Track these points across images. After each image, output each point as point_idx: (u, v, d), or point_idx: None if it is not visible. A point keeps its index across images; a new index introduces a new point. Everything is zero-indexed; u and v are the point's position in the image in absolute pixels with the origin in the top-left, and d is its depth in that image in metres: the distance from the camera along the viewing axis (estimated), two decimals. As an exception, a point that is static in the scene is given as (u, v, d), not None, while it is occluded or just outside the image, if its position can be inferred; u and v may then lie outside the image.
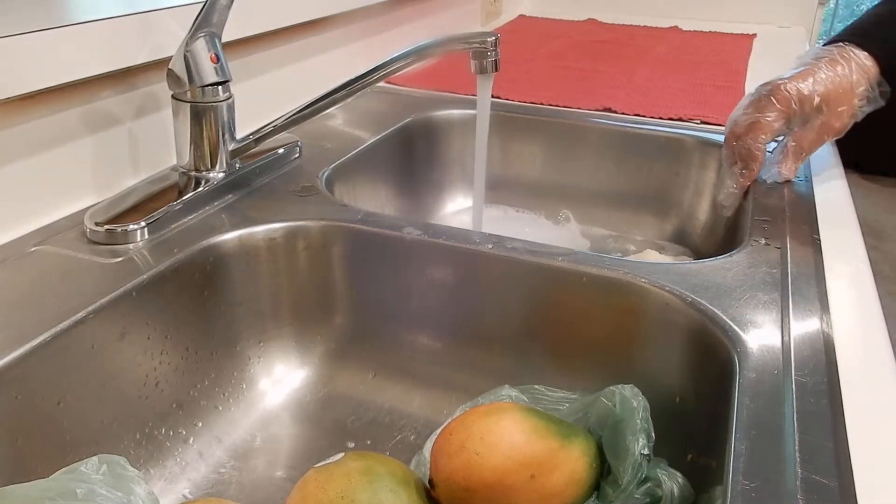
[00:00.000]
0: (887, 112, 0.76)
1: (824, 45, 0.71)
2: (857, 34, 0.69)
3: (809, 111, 0.67)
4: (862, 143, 0.86)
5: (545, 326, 0.58)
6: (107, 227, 0.56)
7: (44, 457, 0.45)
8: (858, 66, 0.67)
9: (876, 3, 0.74)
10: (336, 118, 0.88)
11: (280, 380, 0.63)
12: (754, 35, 1.40)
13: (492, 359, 0.60)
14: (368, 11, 1.01)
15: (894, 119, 0.76)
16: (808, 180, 0.72)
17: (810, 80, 0.67)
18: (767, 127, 0.67)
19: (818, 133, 0.67)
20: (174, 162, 0.65)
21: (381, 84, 0.90)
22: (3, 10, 0.59)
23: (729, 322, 0.48)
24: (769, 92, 0.68)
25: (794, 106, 0.67)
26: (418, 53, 0.66)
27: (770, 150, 0.70)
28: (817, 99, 0.66)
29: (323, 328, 0.64)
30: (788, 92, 0.67)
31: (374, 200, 0.82)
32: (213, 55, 0.60)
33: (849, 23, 0.74)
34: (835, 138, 0.68)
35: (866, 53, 0.67)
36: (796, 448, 0.38)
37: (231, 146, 0.64)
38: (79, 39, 0.56)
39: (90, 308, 0.47)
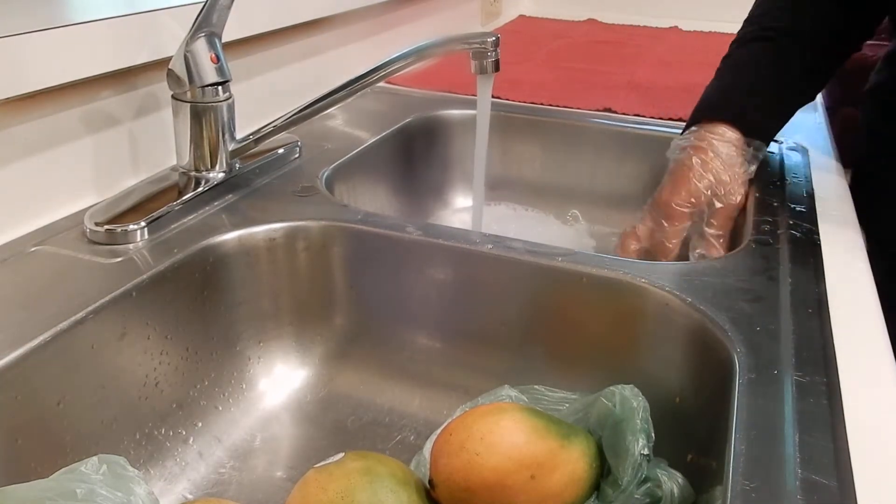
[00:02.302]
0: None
1: (682, 132, 0.73)
2: (707, 110, 0.71)
3: (705, 205, 0.68)
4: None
5: (545, 326, 0.58)
6: (107, 227, 0.56)
7: (44, 457, 0.45)
8: (722, 141, 0.69)
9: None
10: (336, 118, 0.88)
11: (280, 380, 0.63)
12: (754, 35, 1.40)
13: (492, 359, 0.60)
14: (368, 11, 1.01)
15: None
16: (808, 180, 0.72)
17: (688, 184, 0.68)
18: (673, 240, 0.69)
19: (724, 217, 0.68)
20: (174, 162, 0.65)
21: (381, 84, 0.90)
22: (3, 10, 0.59)
23: (729, 322, 0.48)
24: (663, 213, 0.69)
25: (689, 215, 0.68)
26: (418, 53, 0.66)
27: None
28: (705, 194, 0.68)
29: (323, 328, 0.64)
30: (680, 207, 0.68)
31: (374, 200, 0.82)
32: (213, 55, 0.60)
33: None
34: (741, 208, 0.68)
35: (725, 126, 0.69)
36: (796, 448, 0.38)
37: (231, 146, 0.64)
38: (79, 39, 0.56)
39: (90, 308, 0.47)
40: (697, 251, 0.68)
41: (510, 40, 1.34)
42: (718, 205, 0.68)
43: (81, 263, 0.53)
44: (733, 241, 0.69)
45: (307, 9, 0.85)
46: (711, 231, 0.68)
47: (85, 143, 0.61)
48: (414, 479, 0.44)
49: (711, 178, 0.68)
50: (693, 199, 0.68)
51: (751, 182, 0.70)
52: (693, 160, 0.69)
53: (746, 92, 0.72)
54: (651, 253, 0.71)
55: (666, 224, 0.69)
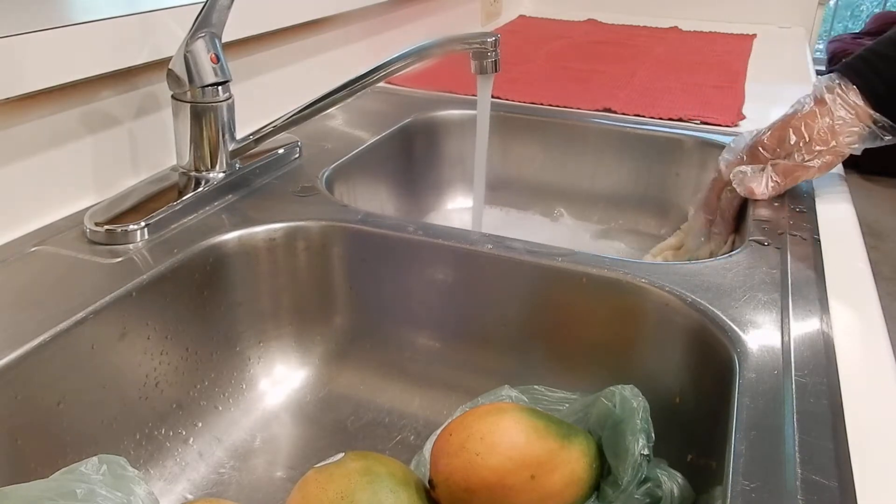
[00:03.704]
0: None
1: (826, 72, 0.70)
2: (854, 69, 0.67)
3: (787, 154, 0.67)
4: None
5: (545, 326, 0.58)
6: (107, 227, 0.56)
7: (44, 457, 0.45)
8: (845, 105, 0.65)
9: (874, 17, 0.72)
10: (336, 118, 0.88)
11: (280, 380, 0.63)
12: (754, 35, 1.40)
13: (492, 359, 0.60)
14: (368, 11, 1.01)
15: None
16: (808, 180, 0.72)
17: (786, 131, 0.67)
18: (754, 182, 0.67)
19: (791, 172, 0.66)
20: (174, 162, 0.65)
21: (381, 84, 0.90)
22: (3, 10, 0.59)
23: (729, 322, 0.48)
24: (750, 149, 0.68)
25: (772, 158, 0.67)
26: (418, 54, 0.66)
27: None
28: (794, 139, 0.66)
29: (323, 328, 0.64)
30: (766, 149, 0.67)
31: (374, 200, 0.82)
32: (213, 55, 0.60)
33: (848, 23, 0.73)
34: (816, 177, 0.67)
35: (856, 90, 0.66)
36: (796, 448, 0.38)
37: (231, 146, 0.64)
38: (79, 39, 0.56)
39: (90, 308, 0.47)
40: (741, 174, 0.66)
41: (510, 40, 1.34)
42: (798, 160, 0.66)
43: (81, 263, 0.53)
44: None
45: (307, 9, 0.85)
46: (773, 173, 0.66)
47: (85, 143, 0.61)
48: (414, 479, 0.44)
49: (810, 133, 0.65)
50: (783, 147, 0.66)
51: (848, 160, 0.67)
52: (805, 110, 0.67)
53: (890, 59, 0.66)
54: (730, 184, 0.69)
55: (749, 161, 0.68)
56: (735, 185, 0.67)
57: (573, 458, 0.44)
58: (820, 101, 0.66)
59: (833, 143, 0.65)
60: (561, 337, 0.58)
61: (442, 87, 1.00)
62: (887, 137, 0.65)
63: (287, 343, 0.63)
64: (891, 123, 0.65)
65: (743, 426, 0.39)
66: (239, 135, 0.65)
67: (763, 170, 0.67)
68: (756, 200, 0.66)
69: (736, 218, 0.70)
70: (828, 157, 0.66)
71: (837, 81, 0.66)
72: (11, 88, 0.52)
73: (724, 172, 0.70)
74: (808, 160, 0.66)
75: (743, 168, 0.68)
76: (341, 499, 0.41)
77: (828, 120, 0.65)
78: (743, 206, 0.69)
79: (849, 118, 0.65)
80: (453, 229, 0.61)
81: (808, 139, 0.65)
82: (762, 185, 0.66)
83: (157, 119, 0.67)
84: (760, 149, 0.68)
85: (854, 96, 0.65)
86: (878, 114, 0.65)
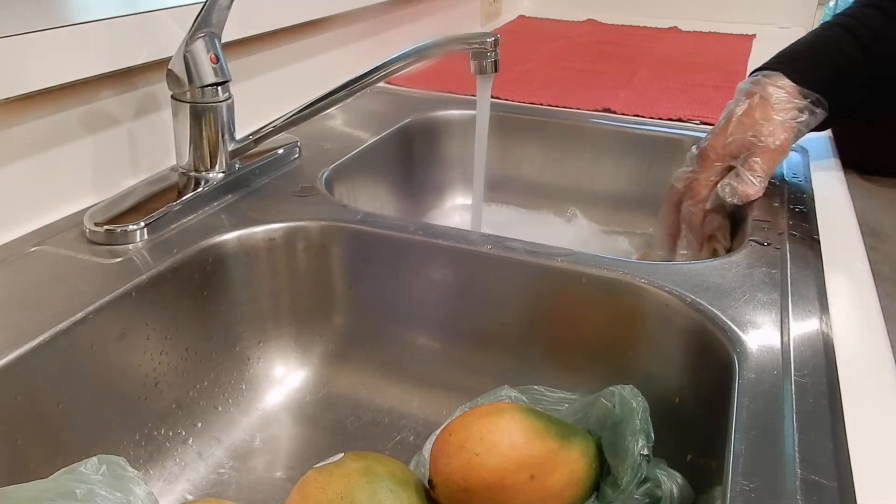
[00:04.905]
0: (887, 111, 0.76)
1: (750, 74, 0.72)
2: (773, 63, 0.71)
3: (742, 149, 0.68)
4: (862, 143, 0.86)
5: (545, 327, 0.58)
6: (106, 227, 0.56)
7: (44, 457, 0.45)
8: (774, 87, 0.68)
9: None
10: (336, 118, 0.88)
11: (279, 380, 0.63)
12: (754, 35, 1.40)
13: (491, 359, 0.60)
14: (368, 11, 1.01)
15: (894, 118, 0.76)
16: (808, 180, 0.72)
17: (729, 128, 0.68)
18: (705, 184, 0.69)
19: (763, 157, 0.67)
20: (174, 162, 0.65)
21: (381, 84, 0.90)
22: (2, 10, 0.59)
23: (728, 322, 0.48)
24: (698, 155, 0.70)
25: (723, 157, 0.68)
26: (418, 54, 0.66)
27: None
28: (744, 139, 0.67)
29: (322, 328, 0.64)
30: (714, 150, 0.68)
31: (374, 201, 0.82)
32: (213, 55, 0.60)
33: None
34: (784, 157, 0.68)
35: (779, 74, 0.68)
36: (796, 448, 0.38)
37: (231, 146, 0.64)
38: (79, 39, 0.56)
39: (90, 308, 0.47)
40: (728, 186, 0.67)
41: (510, 40, 1.34)
42: (758, 148, 0.67)
43: (81, 264, 0.53)
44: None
45: (307, 9, 0.85)
46: (747, 170, 0.67)
47: (84, 143, 0.61)
48: (413, 480, 0.44)
49: (754, 120, 0.67)
50: (731, 145, 0.67)
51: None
52: (739, 105, 0.68)
53: (808, 49, 0.71)
54: (685, 197, 0.70)
55: (699, 169, 0.69)
56: (727, 199, 0.67)
57: (573, 459, 0.44)
58: (750, 93, 0.68)
59: (779, 118, 0.67)
60: (561, 337, 0.58)
61: (442, 87, 1.00)
62: (818, 110, 0.68)
63: (287, 343, 0.63)
64: (818, 97, 0.67)
65: (743, 426, 0.39)
66: (239, 135, 0.65)
67: (736, 174, 0.67)
68: (756, 199, 0.66)
69: (703, 224, 0.70)
70: (782, 134, 0.67)
71: (760, 75, 0.69)
72: (11, 88, 0.52)
73: (678, 186, 0.71)
74: (771, 139, 0.66)
75: (725, 181, 0.68)
76: (341, 499, 0.41)
77: (764, 105, 0.67)
78: (717, 213, 0.69)
79: (783, 95, 0.67)
80: (453, 229, 0.61)
81: (751, 125, 0.67)
82: (748, 185, 0.66)
83: (157, 119, 0.67)
84: (710, 153, 0.69)
85: (780, 79, 0.68)
86: (805, 89, 0.67)
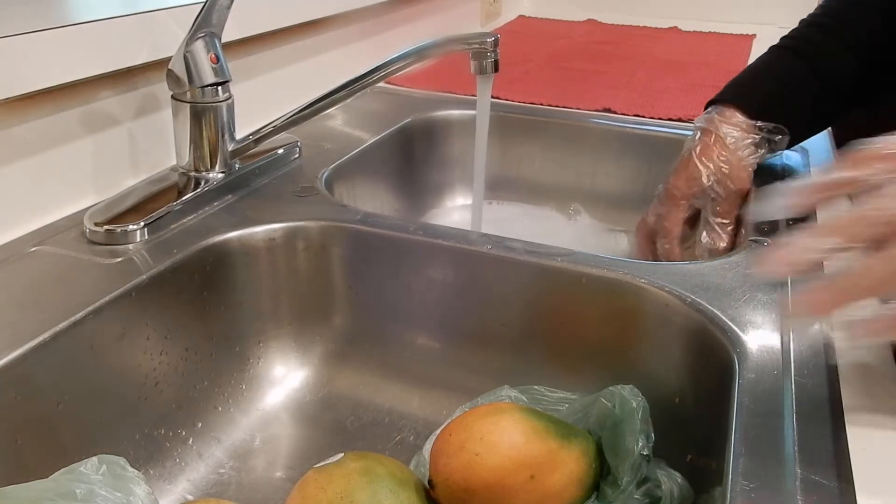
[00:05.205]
0: (887, 111, 0.76)
1: (706, 106, 0.73)
2: (725, 96, 0.71)
3: (705, 192, 0.68)
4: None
5: (545, 327, 0.58)
6: (106, 227, 0.56)
7: (44, 457, 0.45)
8: (728, 126, 0.68)
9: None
10: (336, 118, 0.88)
11: (279, 380, 0.63)
12: (754, 35, 1.40)
13: (491, 359, 0.60)
14: (368, 11, 1.01)
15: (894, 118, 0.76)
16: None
17: (689, 167, 0.69)
18: (675, 222, 0.70)
19: (727, 204, 0.68)
20: (174, 162, 0.65)
21: (381, 84, 0.90)
22: (2, 10, 0.59)
23: (728, 323, 0.48)
24: (664, 195, 0.71)
25: (688, 196, 0.69)
26: (418, 54, 0.66)
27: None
28: (705, 180, 0.68)
29: (322, 328, 0.64)
30: (679, 190, 0.69)
31: (374, 201, 0.82)
32: (213, 55, 0.60)
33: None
34: (747, 192, 0.68)
35: (733, 108, 0.69)
36: (796, 448, 0.38)
37: (231, 146, 0.64)
38: (79, 39, 0.56)
39: (89, 308, 0.47)
40: (704, 240, 0.68)
41: (510, 40, 1.34)
42: (722, 192, 0.67)
43: (81, 263, 0.53)
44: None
45: (307, 9, 0.85)
46: (716, 219, 0.68)
47: (84, 143, 0.61)
48: (413, 480, 0.44)
49: (713, 163, 0.67)
50: (693, 184, 0.68)
51: (757, 171, 0.69)
52: (696, 145, 0.69)
53: (757, 77, 0.72)
54: (657, 235, 0.71)
55: (667, 209, 0.70)
56: (707, 257, 0.68)
57: (573, 459, 0.44)
58: (706, 131, 0.69)
59: (734, 158, 0.67)
60: (560, 337, 0.58)
61: (441, 88, 1.00)
62: (777, 138, 0.68)
63: (286, 343, 0.63)
64: (773, 125, 0.68)
65: (743, 426, 0.39)
66: (239, 135, 0.65)
67: (708, 225, 0.69)
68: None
69: (681, 255, 0.71)
70: (741, 174, 0.68)
71: (714, 112, 0.70)
72: (11, 88, 0.52)
73: (648, 221, 0.73)
74: (732, 183, 0.67)
75: (703, 243, 0.69)
76: (341, 499, 0.41)
77: (721, 143, 0.68)
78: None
79: (738, 133, 0.68)
80: (453, 229, 0.61)
81: (712, 167, 0.68)
82: (720, 238, 0.68)
83: (157, 119, 0.67)
84: (675, 192, 0.69)
85: (733, 115, 0.69)
86: (760, 121, 0.68)
